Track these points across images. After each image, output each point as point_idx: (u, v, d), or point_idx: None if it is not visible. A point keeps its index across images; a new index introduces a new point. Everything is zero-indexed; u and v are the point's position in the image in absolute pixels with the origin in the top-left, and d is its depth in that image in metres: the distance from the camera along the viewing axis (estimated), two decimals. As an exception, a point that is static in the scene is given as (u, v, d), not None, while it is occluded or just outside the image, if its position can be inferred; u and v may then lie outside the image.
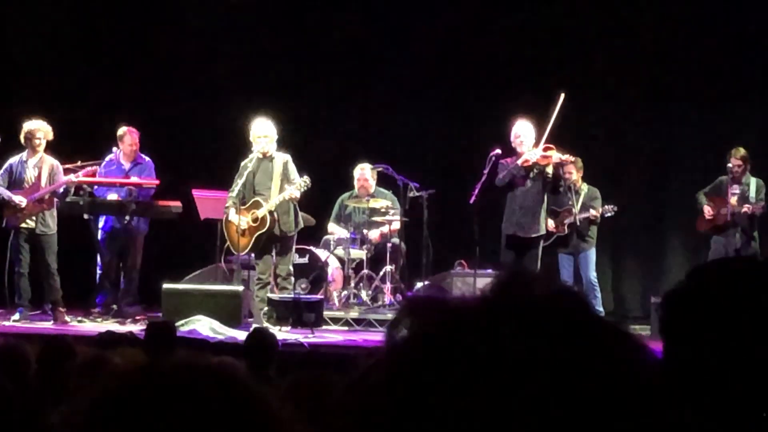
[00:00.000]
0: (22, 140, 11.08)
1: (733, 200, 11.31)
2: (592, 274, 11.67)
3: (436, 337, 0.93)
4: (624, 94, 13.13)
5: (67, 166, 11.20)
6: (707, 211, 11.48)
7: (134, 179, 11.47)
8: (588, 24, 13.06)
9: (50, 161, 11.11)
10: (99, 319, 11.15)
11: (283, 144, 10.89)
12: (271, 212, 10.61)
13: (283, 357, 6.83)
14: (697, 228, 11.74)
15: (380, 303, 11.56)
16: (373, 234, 11.83)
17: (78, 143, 11.74)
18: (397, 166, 11.81)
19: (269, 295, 10.78)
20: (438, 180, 12.02)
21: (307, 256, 11.81)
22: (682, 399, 1.05)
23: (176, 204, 11.40)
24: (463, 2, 13.62)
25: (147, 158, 11.71)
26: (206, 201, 11.42)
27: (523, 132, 10.71)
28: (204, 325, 10.13)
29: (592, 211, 11.58)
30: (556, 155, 10.58)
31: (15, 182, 11.09)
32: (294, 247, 11.10)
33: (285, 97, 12.52)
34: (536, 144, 10.66)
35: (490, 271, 11.10)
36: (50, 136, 11.07)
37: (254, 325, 9.65)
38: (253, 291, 10.85)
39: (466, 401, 0.89)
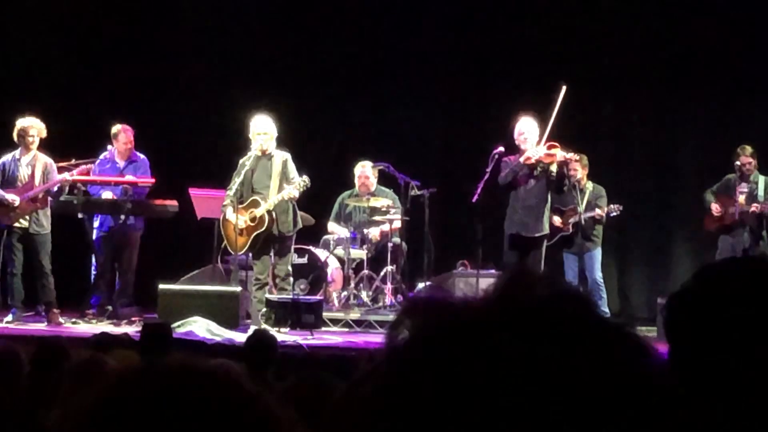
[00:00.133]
0: (15, 138, 10.98)
1: (741, 199, 11.29)
2: (598, 275, 11.60)
3: (438, 339, 0.92)
4: (630, 92, 13.15)
5: (61, 164, 11.13)
6: (715, 209, 11.45)
7: (129, 177, 11.41)
8: (593, 20, 13.09)
9: (44, 159, 11.00)
10: (93, 321, 11.07)
11: (282, 142, 10.79)
12: (269, 212, 10.53)
13: (282, 359, 6.83)
14: (705, 227, 11.72)
15: (381, 304, 11.53)
16: (374, 232, 11.74)
17: (72, 141, 11.65)
18: (398, 164, 11.76)
19: (267, 296, 10.70)
20: (440, 178, 12.04)
21: (307, 256, 11.77)
22: (688, 401, 1.02)
23: (172, 203, 11.34)
24: (465, -1, 13.58)
25: (142, 156, 11.64)
26: (203, 200, 11.36)
27: (527, 129, 10.59)
28: (201, 327, 10.06)
29: (598, 211, 11.50)
30: (560, 153, 10.46)
31: (8, 181, 10.99)
32: (293, 247, 11.02)
33: (284, 94, 12.49)
34: (540, 141, 10.55)
35: (493, 271, 11.09)
36: (44, 134, 10.96)
37: (255, 327, 9.52)
38: (251, 292, 10.79)
39: (468, 405, 0.88)
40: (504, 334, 0.90)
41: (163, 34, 13.69)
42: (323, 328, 10.66)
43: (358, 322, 10.98)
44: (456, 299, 0.96)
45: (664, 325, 1.67)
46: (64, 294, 11.20)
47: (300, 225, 10.86)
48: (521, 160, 10.50)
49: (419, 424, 0.89)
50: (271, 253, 10.75)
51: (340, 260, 11.88)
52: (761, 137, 12.00)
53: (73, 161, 11.25)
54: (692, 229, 12.56)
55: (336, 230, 12.08)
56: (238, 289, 10.78)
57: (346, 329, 10.86)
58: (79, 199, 11.26)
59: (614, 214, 11.57)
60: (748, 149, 11.32)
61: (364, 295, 11.49)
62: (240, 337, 9.54)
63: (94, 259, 11.60)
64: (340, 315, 11.15)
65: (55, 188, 10.99)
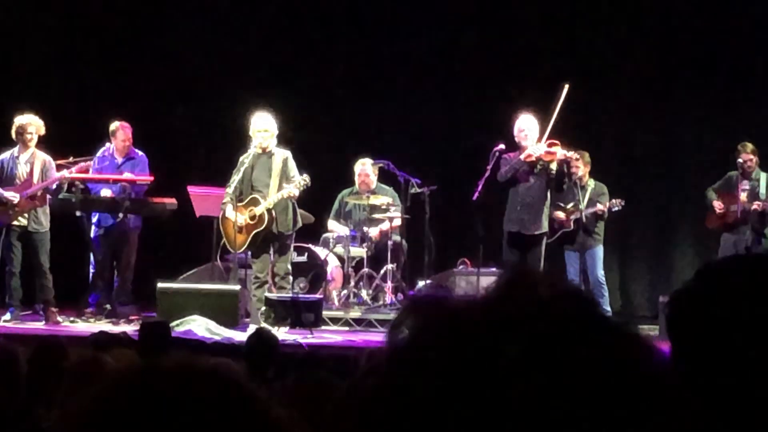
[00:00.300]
0: (13, 135, 10.95)
1: (743, 196, 11.27)
2: (600, 273, 11.57)
3: (439, 338, 0.92)
4: (631, 89, 13.15)
5: (59, 161, 11.10)
6: (717, 207, 11.43)
7: (127, 174, 11.37)
8: (594, 17, 13.09)
9: (42, 157, 10.97)
10: (92, 320, 11.05)
11: (282, 139, 10.74)
12: (269, 210, 10.50)
13: (282, 358, 6.75)
14: (707, 225, 11.74)
15: (381, 302, 11.53)
16: (373, 231, 11.72)
17: (70, 139, 11.62)
18: (399, 161, 11.73)
19: (267, 294, 10.67)
20: (440, 176, 12.00)
21: (306, 254, 11.75)
22: (690, 400, 0.97)
23: (171, 201, 11.31)
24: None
25: (140, 153, 11.62)
26: (202, 198, 11.34)
27: (527, 126, 10.57)
28: (200, 326, 10.08)
29: (599, 206, 11.48)
30: (560, 151, 10.45)
31: (6, 179, 10.97)
32: (292, 245, 10.97)
33: (285, 92, 12.48)
34: (540, 138, 10.52)
35: (493, 269, 11.07)
36: (42, 131, 10.93)
37: (256, 326, 9.50)
38: (251, 290, 10.76)
39: (469, 405, 0.88)
40: (505, 334, 0.90)
41: (162, 31, 13.66)
42: (323, 327, 10.64)
43: (358, 321, 10.97)
44: (457, 298, 0.96)
45: (666, 324, 1.65)
46: (62, 292, 11.17)
47: (300, 224, 10.83)
48: (522, 157, 10.48)
49: (420, 424, 0.89)
50: (271, 252, 10.71)
51: (340, 258, 11.85)
52: (763, 134, 11.98)
53: (71, 159, 11.21)
54: (694, 227, 12.57)
55: (336, 228, 12.05)
56: (238, 287, 10.79)
57: (346, 328, 10.86)
58: (77, 196, 11.23)
59: (616, 209, 11.53)
60: (749, 146, 11.32)
61: (364, 293, 11.47)
62: (239, 336, 9.53)
63: (92, 258, 11.58)
64: (339, 314, 11.13)
65: (54, 186, 10.96)
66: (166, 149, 12.59)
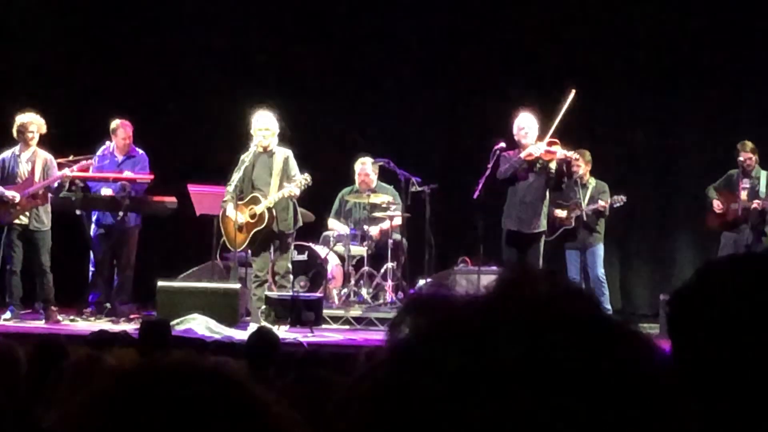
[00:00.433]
0: (15, 134, 10.94)
1: (744, 195, 11.23)
2: (600, 271, 11.57)
3: (439, 337, 0.92)
4: (631, 87, 13.13)
5: (59, 160, 11.08)
6: (716, 206, 11.45)
7: (127, 173, 11.37)
8: (595, 16, 13.00)
9: (44, 155, 10.96)
10: (92, 318, 11.04)
11: (282, 138, 10.72)
12: (269, 209, 10.49)
13: (282, 357, 6.71)
14: (707, 224, 11.72)
15: (381, 301, 11.57)
16: (373, 230, 11.71)
17: (71, 137, 11.61)
18: (399, 160, 11.73)
19: (267, 293, 10.66)
20: (441, 175, 11.96)
21: (306, 252, 11.74)
22: (691, 399, 0.97)
23: (171, 199, 11.31)
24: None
25: (141, 151, 11.62)
26: (202, 196, 11.33)
27: (527, 124, 10.58)
28: (200, 324, 10.07)
29: (601, 202, 11.47)
30: (560, 151, 10.46)
31: (7, 177, 10.95)
32: (293, 244, 10.95)
33: (284, 90, 12.49)
34: (540, 137, 10.50)
35: (494, 268, 11.01)
36: (43, 130, 10.92)
37: (258, 324, 9.49)
38: (251, 289, 10.75)
39: (470, 404, 0.87)
40: (505, 332, 0.90)
41: (163, 29, 13.64)
42: (323, 326, 10.64)
43: (359, 320, 10.97)
44: (457, 296, 0.96)
45: (666, 323, 1.66)
46: (62, 291, 11.16)
47: (300, 223, 10.82)
48: (521, 156, 10.47)
49: (420, 423, 0.89)
50: (271, 250, 10.70)
51: (341, 257, 11.86)
52: (763, 133, 11.97)
53: (71, 157, 11.19)
54: (695, 225, 12.54)
55: (336, 227, 12.06)
56: (238, 286, 10.78)
57: (347, 326, 10.86)
58: (77, 195, 11.22)
59: (618, 205, 11.53)
60: (749, 145, 11.33)
61: (364, 292, 11.49)
62: (239, 335, 9.53)
63: (92, 256, 11.57)
64: (340, 312, 11.14)
65: (56, 184, 10.95)
66: (167, 147, 12.55)
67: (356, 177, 11.97)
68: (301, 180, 10.44)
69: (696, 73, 13.01)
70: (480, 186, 10.55)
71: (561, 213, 11.34)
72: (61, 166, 10.97)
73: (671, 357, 1.56)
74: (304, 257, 11.67)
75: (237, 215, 10.48)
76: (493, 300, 0.94)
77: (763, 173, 11.34)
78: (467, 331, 0.91)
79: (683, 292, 1.65)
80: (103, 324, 10.16)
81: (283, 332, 9.83)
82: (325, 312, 10.86)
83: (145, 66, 13.53)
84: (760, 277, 1.60)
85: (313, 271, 11.66)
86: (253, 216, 10.51)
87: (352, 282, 11.55)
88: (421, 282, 11.33)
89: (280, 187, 10.47)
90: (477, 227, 10.78)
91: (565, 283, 0.96)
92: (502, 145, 10.60)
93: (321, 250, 11.79)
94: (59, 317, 10.86)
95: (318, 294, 11.15)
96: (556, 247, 11.38)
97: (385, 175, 11.98)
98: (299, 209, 10.77)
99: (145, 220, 11.60)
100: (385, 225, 11.69)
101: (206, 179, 11.49)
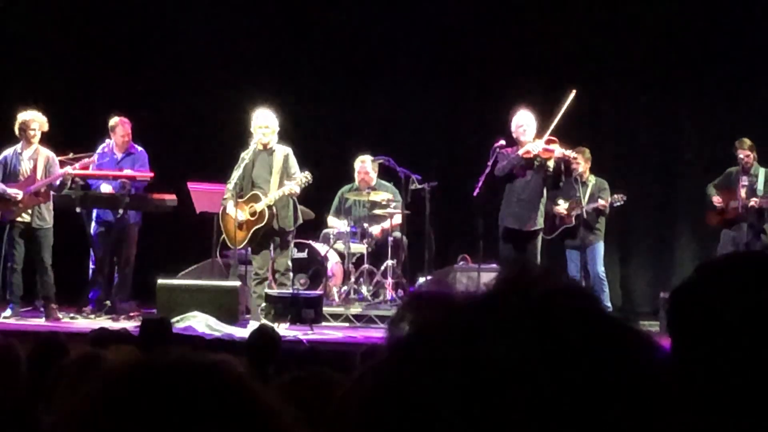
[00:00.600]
0: (17, 132, 10.92)
1: (742, 192, 11.22)
2: (600, 269, 11.55)
3: (440, 335, 0.92)
4: (631, 85, 13.12)
5: (60, 158, 11.04)
6: (716, 200, 11.50)
7: (127, 170, 11.36)
8: (595, 14, 12.98)
9: (46, 153, 10.95)
10: (92, 316, 11.05)
11: (282, 136, 10.71)
12: (269, 207, 10.48)
13: (282, 354, 6.71)
14: (708, 222, 11.73)
15: (381, 299, 11.53)
16: (375, 230, 11.71)
17: (71, 135, 11.61)
18: (399, 158, 11.71)
19: (267, 290, 10.65)
20: (441, 172, 11.97)
21: (306, 250, 11.73)
22: (691, 396, 1.03)
23: (171, 197, 11.32)
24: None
25: (140, 148, 11.62)
26: (202, 194, 11.30)
27: (525, 122, 10.58)
28: (200, 322, 10.04)
29: (601, 201, 11.46)
30: (559, 150, 10.45)
31: (10, 175, 10.92)
32: (293, 241, 10.94)
33: (285, 88, 12.48)
34: (539, 135, 10.49)
35: (494, 265, 11.05)
36: (45, 127, 10.91)
37: (258, 322, 9.45)
38: (251, 287, 10.73)
39: (470, 401, 0.87)
40: (506, 330, 0.90)
41: (163, 27, 13.63)
42: (323, 323, 10.61)
43: (359, 317, 10.94)
44: (457, 294, 0.96)
45: (666, 320, 1.67)
46: (62, 289, 11.15)
47: (300, 220, 10.81)
48: (519, 153, 10.46)
49: (421, 421, 0.89)
50: (271, 248, 10.69)
51: (341, 255, 11.85)
52: (763, 132, 11.96)
53: (71, 155, 11.18)
54: (695, 223, 12.55)
55: (336, 224, 12.04)
56: (238, 283, 10.74)
57: (347, 324, 10.83)
58: (77, 193, 11.21)
59: (618, 204, 11.51)
60: (746, 142, 11.32)
61: (364, 289, 11.47)
62: (239, 332, 9.52)
63: (92, 254, 11.56)
64: (340, 310, 11.11)
65: (58, 182, 10.93)
66: (167, 145, 12.55)
67: (356, 175, 11.95)
68: (301, 178, 10.43)
69: (697, 70, 12.99)
70: (480, 183, 10.54)
71: (563, 206, 11.32)
72: (62, 164, 10.96)
73: (671, 354, 1.57)
74: (304, 255, 11.66)
75: (237, 213, 10.48)
76: (493, 298, 0.94)
77: (761, 171, 11.32)
78: (467, 328, 0.91)
79: (683, 290, 1.65)
80: (103, 322, 10.16)
81: (283, 330, 9.80)
82: (325, 309, 10.83)
83: (145, 63, 13.53)
84: (759, 275, 1.60)
85: (313, 268, 11.64)
86: (253, 214, 10.50)
87: (352, 279, 11.53)
88: (421, 280, 11.36)
89: (281, 184, 10.46)
90: (477, 225, 10.78)
91: (565, 280, 0.97)
92: (502, 142, 10.59)
93: (321, 247, 11.78)
94: (59, 315, 10.85)
95: (318, 291, 11.12)
96: (556, 245, 11.37)
97: (384, 173, 11.97)
98: (299, 207, 10.76)
99: (145, 218, 11.60)
100: (386, 224, 11.68)
101: (206, 177, 11.48)
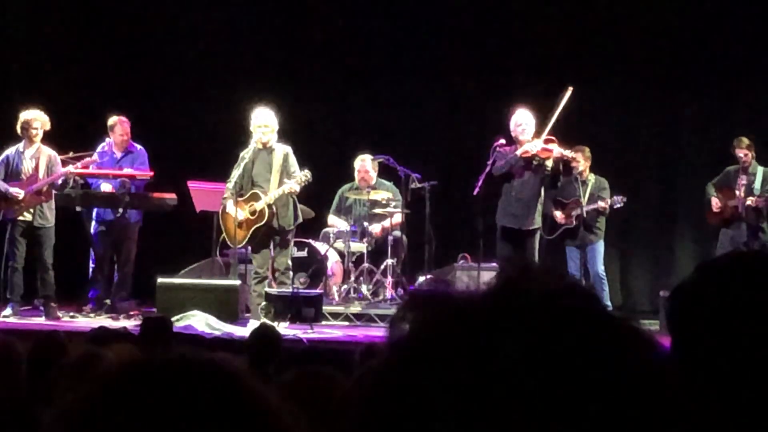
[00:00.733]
0: (19, 131, 10.91)
1: (741, 191, 11.22)
2: (600, 268, 11.55)
3: (440, 334, 0.92)
4: (631, 84, 13.11)
5: (62, 157, 11.04)
6: (714, 203, 11.43)
7: (127, 169, 11.36)
8: (594, 14, 12.98)
9: (48, 152, 10.95)
10: (92, 315, 11.06)
11: (282, 135, 10.71)
12: (269, 205, 10.48)
13: (282, 353, 6.69)
14: (708, 221, 11.70)
15: (381, 298, 11.52)
16: (375, 229, 11.71)
17: (71, 134, 11.61)
18: (399, 157, 11.71)
19: (267, 289, 10.66)
20: (441, 171, 11.97)
21: (306, 249, 11.72)
22: (691, 395, 0.97)
23: (171, 196, 11.31)
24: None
25: (139, 146, 11.63)
26: (202, 193, 11.28)
27: (524, 121, 10.59)
28: (200, 321, 10.03)
29: (601, 203, 11.45)
30: (557, 149, 10.46)
31: (12, 174, 10.92)
32: (293, 240, 10.94)
33: (284, 87, 12.45)
34: (537, 135, 10.49)
35: (494, 264, 11.03)
36: (47, 126, 10.91)
37: (258, 321, 9.47)
38: (251, 285, 10.72)
39: (471, 401, 0.87)
40: (506, 329, 0.90)
41: (162, 26, 13.63)
42: (323, 322, 10.60)
43: (359, 316, 10.92)
44: (457, 293, 0.96)
45: (666, 319, 1.67)
46: (62, 288, 11.16)
47: (300, 219, 10.81)
48: (518, 153, 10.47)
49: (421, 420, 0.88)
50: (271, 247, 10.69)
51: (340, 253, 11.84)
52: (763, 131, 11.96)
53: (71, 154, 11.18)
54: (695, 222, 12.54)
55: (336, 223, 12.04)
56: (238, 282, 10.74)
57: (347, 323, 10.81)
58: (77, 192, 11.21)
59: (618, 205, 11.49)
60: (744, 141, 11.31)
61: (364, 288, 11.46)
62: (239, 331, 9.52)
63: (92, 253, 11.56)
64: (340, 309, 11.10)
65: (60, 181, 10.93)
66: (167, 144, 12.55)
67: (356, 174, 11.95)
68: (301, 176, 10.43)
69: (697, 69, 12.98)
70: (480, 182, 10.55)
71: (559, 215, 11.32)
72: (64, 163, 10.96)
73: (671, 353, 1.56)
74: (304, 254, 11.65)
75: (237, 212, 10.48)
76: (493, 296, 0.94)
77: (760, 169, 11.32)
78: (468, 327, 0.91)
79: (683, 289, 1.65)
80: (103, 321, 10.19)
81: (283, 329, 9.79)
82: (325, 308, 10.82)
83: (145, 63, 13.51)
84: (759, 273, 1.61)
85: (313, 267, 11.63)
86: (253, 212, 10.51)
87: (352, 278, 11.52)
88: (422, 278, 11.35)
89: (280, 183, 10.46)
90: (477, 224, 10.78)
91: (565, 279, 0.96)
92: (502, 141, 10.60)
93: (321, 246, 11.77)
94: (59, 314, 10.85)
95: (318, 290, 11.11)
96: (556, 244, 11.37)
97: (385, 172, 11.96)
98: (299, 205, 10.77)
99: (145, 217, 11.59)
100: (386, 223, 11.67)
101: (206, 176, 11.47)
